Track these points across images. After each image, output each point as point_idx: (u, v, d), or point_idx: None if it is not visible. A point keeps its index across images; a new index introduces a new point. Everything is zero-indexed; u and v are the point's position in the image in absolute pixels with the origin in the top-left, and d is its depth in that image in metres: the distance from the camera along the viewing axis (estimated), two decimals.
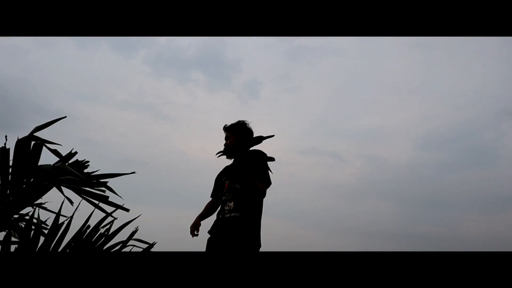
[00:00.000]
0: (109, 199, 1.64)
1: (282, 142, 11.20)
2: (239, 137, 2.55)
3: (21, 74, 9.65)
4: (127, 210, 1.64)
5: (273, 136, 2.49)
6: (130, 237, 1.72)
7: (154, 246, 1.98)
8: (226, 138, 2.59)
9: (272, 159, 2.56)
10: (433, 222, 9.34)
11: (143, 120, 11.19)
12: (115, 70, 11.26)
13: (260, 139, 2.55)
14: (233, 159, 2.65)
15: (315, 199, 10.32)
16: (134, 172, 1.70)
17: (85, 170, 1.62)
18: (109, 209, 1.68)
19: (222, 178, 2.57)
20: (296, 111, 11.62)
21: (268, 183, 2.45)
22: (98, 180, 1.64)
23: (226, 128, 2.61)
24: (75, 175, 1.41)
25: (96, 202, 1.55)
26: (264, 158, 2.53)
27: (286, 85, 11.70)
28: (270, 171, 2.52)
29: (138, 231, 1.83)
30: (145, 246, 1.99)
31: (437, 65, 10.30)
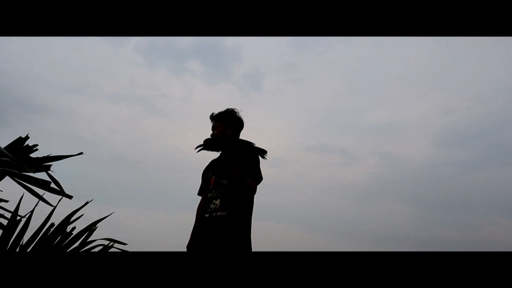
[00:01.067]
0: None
1: (287, 138, 11.04)
2: (227, 127, 2.45)
3: (1, 65, 9.23)
4: (70, 197, 1.57)
5: (266, 152, 2.39)
6: (87, 236, 1.63)
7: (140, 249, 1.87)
8: (213, 128, 2.49)
9: (263, 151, 2.47)
10: (454, 226, 9.10)
11: (135, 114, 10.94)
12: (104, 60, 10.90)
13: (251, 145, 2.45)
14: (220, 152, 2.59)
15: (323, 200, 10.07)
16: (81, 153, 1.63)
17: (34, 155, 1.56)
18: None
19: (208, 173, 2.47)
20: (303, 104, 11.31)
21: (259, 178, 2.35)
22: (41, 163, 1.54)
23: (213, 117, 2.51)
24: (4, 155, 1.32)
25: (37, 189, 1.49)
26: (254, 151, 2.41)
27: (291, 76, 11.37)
28: (264, 157, 2.39)
29: (120, 233, 1.78)
30: (120, 247, 1.85)
31: (457, 53, 10.00)
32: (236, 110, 2.51)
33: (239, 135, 2.52)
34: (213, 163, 2.46)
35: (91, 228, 1.69)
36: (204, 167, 2.56)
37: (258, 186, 2.39)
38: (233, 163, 2.30)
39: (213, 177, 2.41)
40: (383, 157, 10.90)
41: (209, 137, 2.46)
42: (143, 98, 11.17)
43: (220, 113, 2.50)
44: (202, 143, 2.38)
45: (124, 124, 10.86)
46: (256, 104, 10.59)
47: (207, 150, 2.39)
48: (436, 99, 10.74)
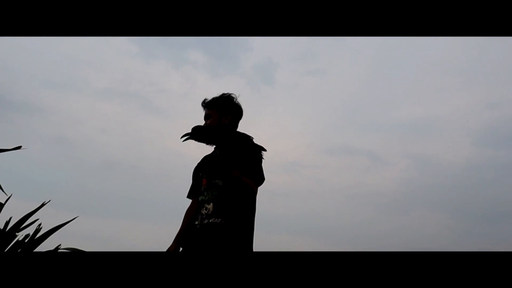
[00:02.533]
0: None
1: (304, 138, 10.65)
2: (223, 116, 2.27)
3: None
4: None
5: (265, 150, 2.21)
6: (37, 244, 1.46)
7: None
8: (205, 117, 2.30)
9: (262, 148, 2.22)
10: (498, 238, 8.57)
11: (129, 112, 10.31)
12: (93, 50, 9.85)
13: (251, 140, 2.28)
14: (214, 146, 2.35)
15: (347, 210, 9.52)
16: (20, 147, 1.48)
17: None
18: None
19: (200, 172, 2.27)
20: (322, 100, 10.63)
21: (260, 179, 2.15)
22: None
23: (206, 104, 2.31)
24: None
25: None
26: (255, 146, 2.21)
27: (308, 67, 10.67)
28: (262, 156, 2.19)
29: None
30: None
31: (500, 38, 9.59)
32: (233, 96, 2.32)
33: (237, 126, 2.33)
34: (205, 159, 2.30)
35: (47, 235, 1.54)
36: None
37: (267, 193, 2.20)
38: (229, 160, 2.09)
39: (205, 177, 2.20)
40: (415, 159, 10.44)
41: (199, 124, 2.23)
42: (138, 93, 10.30)
43: (214, 99, 2.30)
44: (190, 131, 2.16)
45: (117, 124, 10.25)
46: (268, 100, 10.17)
47: (196, 140, 2.17)
48: (477, 92, 10.16)
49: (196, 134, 2.16)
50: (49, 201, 1.62)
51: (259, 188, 2.15)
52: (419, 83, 10.47)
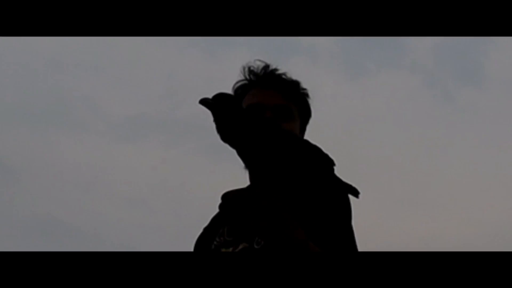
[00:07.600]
0: None
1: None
2: (305, 128, 1.62)
3: None
4: None
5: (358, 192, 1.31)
6: None
7: None
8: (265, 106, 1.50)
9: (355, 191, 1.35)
10: None
11: (180, 161, 5.64)
12: (112, 52, 5.68)
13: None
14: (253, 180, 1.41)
15: None
16: None
17: None
18: None
19: (218, 231, 1.46)
20: None
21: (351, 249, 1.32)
22: None
23: (281, 83, 1.55)
24: None
25: None
26: (342, 183, 1.37)
27: None
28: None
29: None
30: None
31: None
32: (306, 91, 1.63)
33: None
34: (228, 196, 1.33)
35: None
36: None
37: None
38: (284, 205, 1.21)
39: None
40: None
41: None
42: (197, 123, 6.75)
43: (299, 87, 1.58)
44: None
45: (159, 186, 5.56)
46: (470, 116, 5.19)
47: (214, 112, 1.24)
48: None
49: (224, 103, 1.26)
50: None
51: None
52: None
